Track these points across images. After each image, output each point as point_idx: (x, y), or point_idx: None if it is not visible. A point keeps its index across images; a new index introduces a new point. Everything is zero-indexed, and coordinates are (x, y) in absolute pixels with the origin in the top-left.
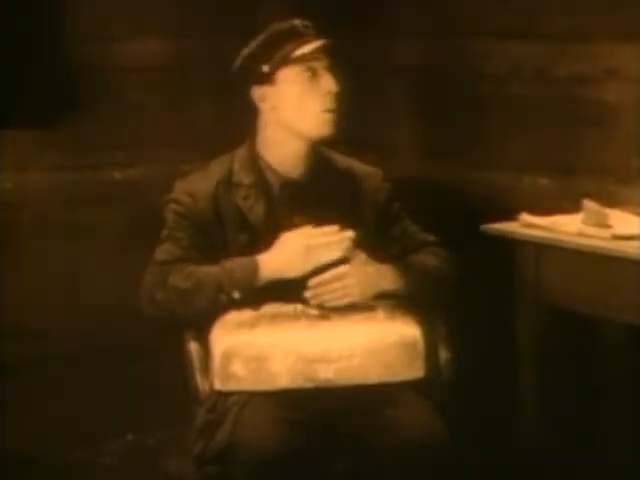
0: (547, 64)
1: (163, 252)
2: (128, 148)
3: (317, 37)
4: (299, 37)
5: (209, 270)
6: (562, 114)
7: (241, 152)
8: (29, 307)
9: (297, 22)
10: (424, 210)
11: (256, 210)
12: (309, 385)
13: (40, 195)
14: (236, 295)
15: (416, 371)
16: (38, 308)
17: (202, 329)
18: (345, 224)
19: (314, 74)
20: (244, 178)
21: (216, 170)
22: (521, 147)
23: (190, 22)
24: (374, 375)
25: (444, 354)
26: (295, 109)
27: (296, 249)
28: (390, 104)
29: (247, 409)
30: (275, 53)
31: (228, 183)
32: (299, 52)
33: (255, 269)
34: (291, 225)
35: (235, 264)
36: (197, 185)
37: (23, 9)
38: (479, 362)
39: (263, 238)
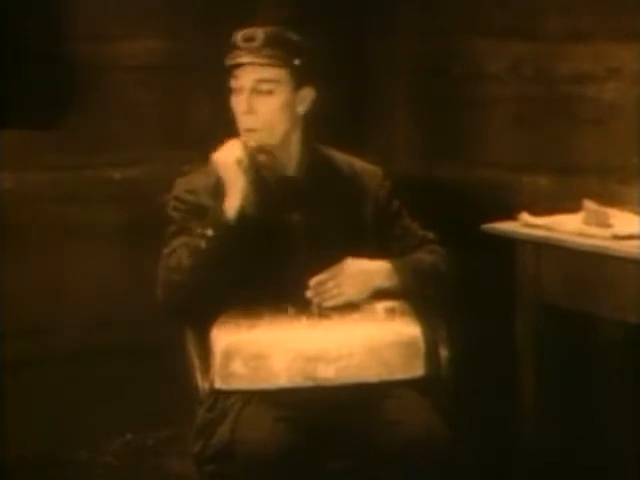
0: (547, 64)
1: (175, 243)
2: (128, 148)
3: (253, 52)
4: (234, 49)
5: None
6: (562, 114)
7: None
8: (29, 307)
9: (240, 34)
10: (424, 210)
11: (256, 207)
12: (309, 384)
13: (40, 195)
14: (209, 232)
15: (416, 370)
16: (38, 308)
17: (203, 328)
18: (345, 222)
19: (239, 90)
20: None
21: (215, 168)
22: (521, 146)
23: (190, 21)
24: (374, 374)
25: (444, 353)
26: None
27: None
28: (390, 104)
29: (247, 408)
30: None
31: None
32: (227, 64)
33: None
34: (290, 222)
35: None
36: (198, 182)
37: (23, 9)
38: (479, 361)
39: (262, 235)
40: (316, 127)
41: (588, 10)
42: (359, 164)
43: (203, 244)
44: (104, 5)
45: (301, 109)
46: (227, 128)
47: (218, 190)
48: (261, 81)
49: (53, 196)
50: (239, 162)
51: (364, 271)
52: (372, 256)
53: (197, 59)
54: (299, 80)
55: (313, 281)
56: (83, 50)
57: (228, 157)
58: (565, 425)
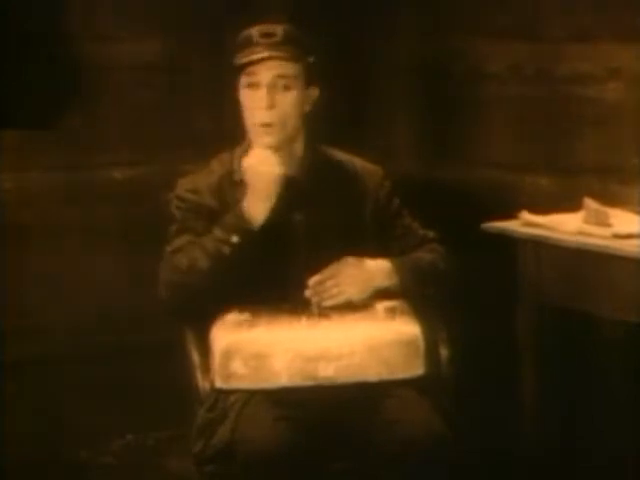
0: (547, 64)
1: (179, 242)
2: (128, 148)
3: (274, 47)
4: (250, 45)
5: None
6: (562, 114)
7: (240, 150)
8: (29, 307)
9: (255, 30)
10: (425, 209)
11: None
12: (309, 383)
13: (40, 195)
14: (234, 239)
15: (416, 369)
16: (38, 308)
17: (203, 327)
18: (345, 221)
19: (256, 86)
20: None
21: (217, 167)
22: (522, 146)
23: (190, 22)
24: (374, 373)
25: (444, 352)
26: (244, 115)
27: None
28: (390, 104)
29: (247, 407)
30: (236, 56)
31: (230, 180)
32: (240, 60)
33: (243, 210)
34: (291, 222)
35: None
36: (200, 182)
37: (23, 9)
38: (479, 361)
39: (264, 235)
40: (317, 126)
41: (589, 10)
42: (360, 163)
43: (227, 250)
44: (105, 5)
45: (307, 107)
46: (227, 128)
47: (220, 190)
48: (280, 76)
49: (53, 196)
50: (277, 174)
51: (364, 270)
52: (372, 255)
53: (197, 59)
54: (309, 78)
55: (312, 281)
56: (83, 50)
57: (266, 168)
58: (565, 425)
